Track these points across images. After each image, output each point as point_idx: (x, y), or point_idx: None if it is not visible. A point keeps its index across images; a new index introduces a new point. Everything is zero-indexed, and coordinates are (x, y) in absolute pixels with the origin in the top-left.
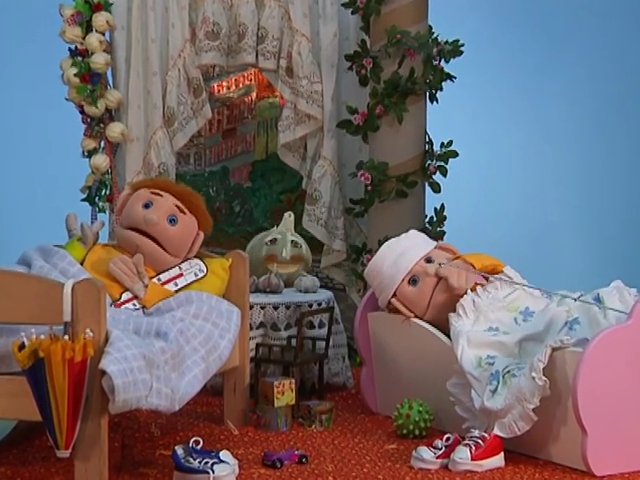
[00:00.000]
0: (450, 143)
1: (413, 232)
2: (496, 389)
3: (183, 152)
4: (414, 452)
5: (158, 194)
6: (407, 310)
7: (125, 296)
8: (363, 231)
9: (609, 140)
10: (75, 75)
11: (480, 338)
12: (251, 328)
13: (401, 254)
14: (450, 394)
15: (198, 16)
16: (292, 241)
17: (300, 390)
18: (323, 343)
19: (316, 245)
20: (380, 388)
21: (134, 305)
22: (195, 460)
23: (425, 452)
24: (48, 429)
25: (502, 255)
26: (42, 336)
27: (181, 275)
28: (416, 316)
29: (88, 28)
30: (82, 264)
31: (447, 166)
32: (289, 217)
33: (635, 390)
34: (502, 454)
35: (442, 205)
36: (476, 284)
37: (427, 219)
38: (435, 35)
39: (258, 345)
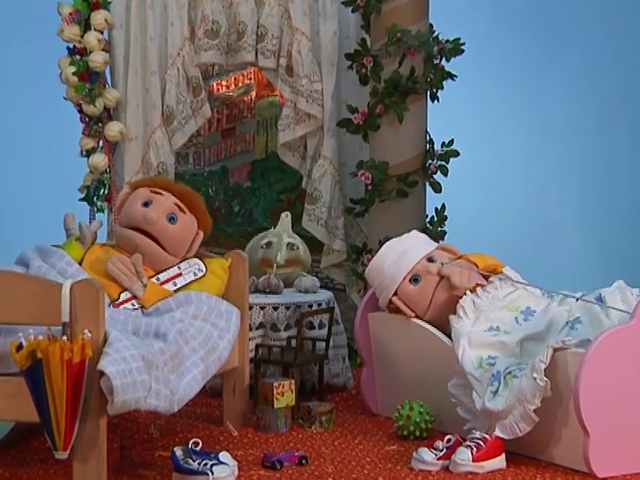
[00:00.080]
0: (451, 142)
1: (415, 232)
2: (497, 390)
3: (182, 151)
4: (415, 453)
5: (158, 193)
6: (408, 309)
7: (124, 296)
8: (363, 231)
9: (610, 140)
10: (73, 74)
11: (481, 338)
12: (250, 329)
13: (403, 253)
14: (451, 395)
15: (197, 14)
16: (288, 243)
17: (300, 391)
18: (323, 344)
19: (316, 245)
20: (380, 389)
21: (133, 305)
22: (194, 461)
23: (426, 453)
24: (46, 430)
25: (503, 255)
26: (40, 337)
27: (180, 275)
28: (417, 315)
29: (86, 26)
30: (80, 264)
31: (448, 165)
32: (286, 217)
33: (638, 391)
34: (503, 455)
35: (443, 205)
36: (476, 285)
37: (428, 219)
38: (436, 34)
39: (258, 346)
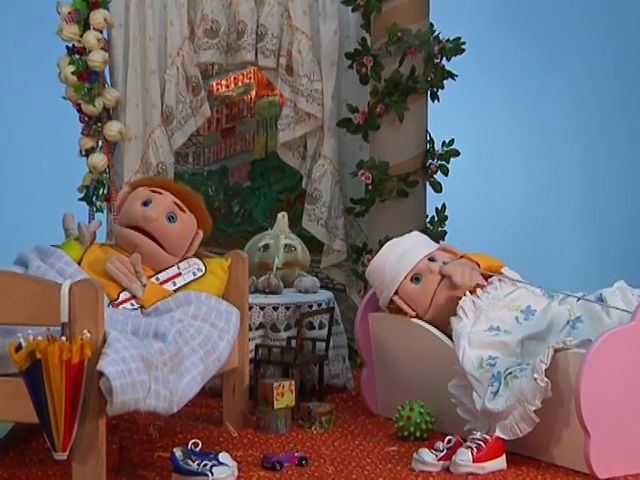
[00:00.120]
0: (451, 142)
1: (416, 233)
2: (497, 390)
3: (182, 151)
4: (415, 454)
5: (157, 192)
6: (409, 308)
7: (123, 296)
8: (364, 231)
9: (611, 140)
10: (72, 73)
11: (481, 338)
12: (250, 329)
13: (404, 253)
14: (451, 396)
15: (197, 14)
16: (286, 245)
17: (300, 392)
18: (323, 344)
19: (316, 245)
20: (381, 389)
21: (132, 305)
22: (194, 462)
23: (426, 454)
24: (45, 431)
25: (504, 255)
26: (39, 337)
27: (179, 274)
28: (418, 315)
29: (85, 26)
30: (79, 264)
31: (448, 165)
32: (282, 218)
33: (639, 391)
34: (504, 456)
35: (443, 205)
36: (476, 285)
37: (428, 219)
38: (436, 33)
39: (257, 346)
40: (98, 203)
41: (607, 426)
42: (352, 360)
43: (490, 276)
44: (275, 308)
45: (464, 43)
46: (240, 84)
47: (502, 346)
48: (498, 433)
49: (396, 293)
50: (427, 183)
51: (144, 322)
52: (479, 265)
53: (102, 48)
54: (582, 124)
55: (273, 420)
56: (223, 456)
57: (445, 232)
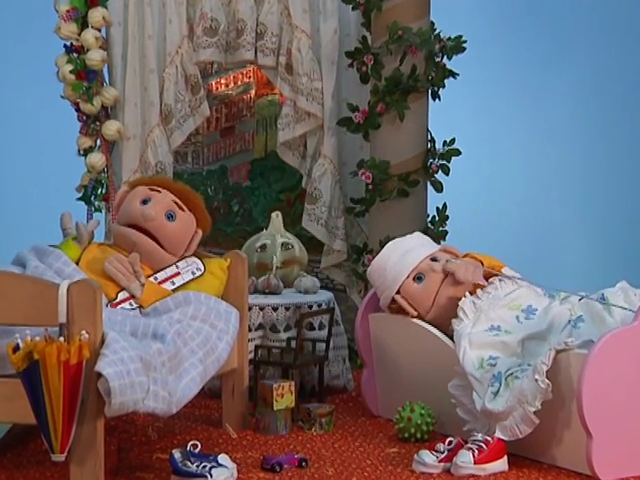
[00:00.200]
0: (452, 141)
1: (417, 233)
2: (498, 391)
3: (181, 150)
4: (416, 456)
5: (156, 190)
6: (411, 308)
7: (121, 295)
8: (364, 231)
9: (613, 140)
10: (71, 72)
11: (482, 339)
12: (250, 330)
13: (406, 252)
14: (451, 396)
15: (196, 12)
16: (282, 243)
17: (300, 393)
18: (323, 345)
19: (316, 245)
20: (381, 390)
21: (130, 304)
22: (193, 464)
23: (427, 456)
24: (43, 432)
25: (504, 255)
26: (37, 338)
27: (178, 274)
28: (419, 314)
29: (84, 24)
30: (77, 263)
31: (449, 165)
32: (277, 217)
33: None
34: (505, 458)
35: (444, 204)
36: (477, 286)
37: (429, 218)
38: (437, 31)
39: (257, 347)
40: (96, 203)
41: (609, 427)
42: (352, 361)
43: (493, 275)
44: (275, 309)
45: (465, 42)
46: (239, 83)
47: (503, 346)
48: (498, 434)
49: (398, 293)
50: (428, 182)
51: (143, 322)
52: (482, 264)
53: (100, 47)
54: (584, 124)
55: (273, 421)
56: (222, 458)
57: (446, 232)
